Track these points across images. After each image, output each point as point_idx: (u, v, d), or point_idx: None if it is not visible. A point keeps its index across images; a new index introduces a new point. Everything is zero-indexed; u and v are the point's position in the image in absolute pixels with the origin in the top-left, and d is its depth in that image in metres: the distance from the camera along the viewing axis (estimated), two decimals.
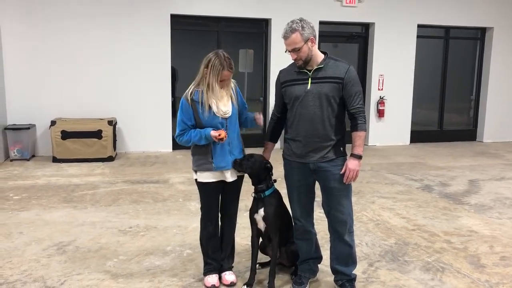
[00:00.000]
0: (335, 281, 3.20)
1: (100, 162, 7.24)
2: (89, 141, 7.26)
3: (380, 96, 9.19)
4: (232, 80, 3.17)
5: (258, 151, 3.23)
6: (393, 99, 9.24)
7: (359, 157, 2.93)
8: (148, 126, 8.14)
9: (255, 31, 8.87)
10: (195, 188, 3.23)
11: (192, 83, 3.09)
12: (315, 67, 2.94)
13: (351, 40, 9.33)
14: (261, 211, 3.11)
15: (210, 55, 3.00)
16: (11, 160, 7.25)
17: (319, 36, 8.65)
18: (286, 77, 3.07)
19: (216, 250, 3.27)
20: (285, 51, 2.96)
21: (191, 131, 3.05)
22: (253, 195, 3.17)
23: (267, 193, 3.13)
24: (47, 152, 7.54)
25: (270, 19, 8.50)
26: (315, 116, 2.92)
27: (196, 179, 3.16)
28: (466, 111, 10.38)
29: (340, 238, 3.07)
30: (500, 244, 4.10)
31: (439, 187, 6.06)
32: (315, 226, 3.26)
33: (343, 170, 2.95)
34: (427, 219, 4.75)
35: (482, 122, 10.05)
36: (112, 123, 7.44)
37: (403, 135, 9.51)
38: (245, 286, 3.16)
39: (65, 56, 7.67)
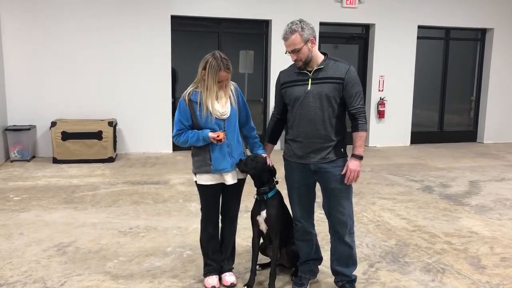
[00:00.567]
0: (336, 282, 3.20)
1: (101, 163, 7.24)
2: (90, 142, 7.26)
3: (381, 97, 9.18)
4: (233, 82, 3.17)
5: None
6: (394, 100, 9.24)
7: (360, 158, 2.93)
8: (149, 127, 8.14)
9: (255, 32, 8.87)
10: (195, 189, 3.23)
11: (191, 84, 3.10)
12: (315, 68, 2.94)
13: (351, 41, 9.34)
14: (263, 213, 3.11)
15: (207, 56, 3.00)
16: (12, 161, 7.25)
17: (320, 37, 8.66)
18: (286, 78, 3.07)
19: (216, 252, 3.27)
20: (285, 52, 2.96)
21: (189, 132, 3.04)
22: (256, 197, 3.17)
23: (269, 195, 3.12)
24: (48, 153, 7.55)
25: (271, 20, 8.51)
26: (316, 117, 2.92)
27: (196, 181, 3.15)
28: (466, 112, 10.38)
29: (341, 239, 3.07)
30: (501, 245, 4.10)
31: (439, 188, 6.05)
32: (315, 227, 3.26)
33: (344, 171, 2.95)
34: (428, 220, 4.74)
35: (482, 123, 10.04)
36: (112, 124, 7.44)
37: (404, 136, 9.51)
38: (245, 287, 3.15)
39: (65, 57, 7.67)
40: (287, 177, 3.15)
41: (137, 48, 7.92)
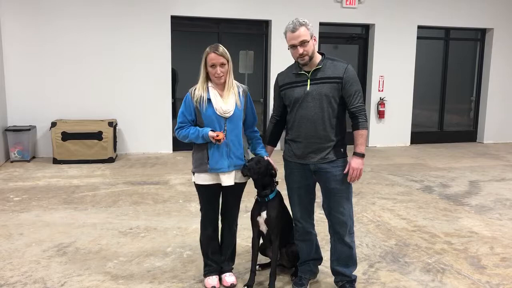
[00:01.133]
0: (336, 282, 3.20)
1: (101, 164, 7.24)
2: (90, 142, 7.26)
3: (380, 97, 9.19)
4: (244, 86, 3.17)
5: None
6: (393, 100, 9.25)
7: (361, 156, 2.93)
8: (149, 127, 8.15)
9: (255, 33, 8.88)
10: (195, 189, 3.23)
11: None
12: (314, 68, 2.94)
13: (351, 41, 9.34)
14: (264, 214, 3.10)
15: None
16: (12, 162, 7.25)
17: (319, 37, 8.68)
18: (284, 80, 3.07)
19: (216, 252, 3.27)
20: (288, 48, 2.93)
21: (191, 127, 3.04)
22: (256, 198, 3.16)
23: (270, 196, 3.12)
24: (48, 154, 7.55)
25: (271, 20, 8.51)
26: (316, 117, 2.92)
27: (194, 182, 3.14)
28: (466, 112, 10.38)
29: (341, 239, 3.07)
30: (501, 245, 4.10)
31: (439, 188, 6.05)
32: (315, 227, 3.26)
33: (346, 170, 2.95)
34: (428, 220, 4.74)
35: (482, 123, 10.05)
36: (112, 124, 7.44)
37: (404, 136, 9.51)
38: (245, 287, 3.15)
39: (65, 58, 7.68)
40: (287, 178, 3.15)
41: (137, 49, 7.92)
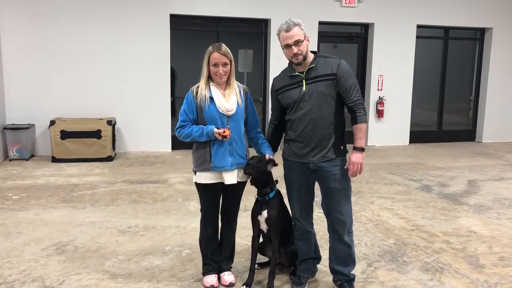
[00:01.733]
0: (334, 281, 3.20)
1: (99, 162, 7.24)
2: (88, 141, 7.25)
3: (380, 97, 9.19)
4: (244, 86, 3.18)
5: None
6: (393, 99, 9.25)
7: (361, 150, 2.92)
8: (148, 126, 8.14)
9: (254, 32, 8.87)
10: (194, 188, 3.23)
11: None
12: (307, 68, 2.95)
13: (350, 41, 9.34)
14: (265, 213, 3.10)
15: None
16: (10, 160, 7.25)
17: (319, 36, 8.69)
18: (280, 84, 3.08)
19: (215, 252, 3.26)
20: (283, 47, 2.94)
21: (193, 126, 3.03)
22: (257, 197, 3.16)
23: (271, 195, 3.12)
24: (46, 152, 7.55)
25: (270, 19, 8.51)
26: (313, 116, 2.92)
27: (195, 182, 3.13)
28: (465, 112, 10.39)
29: (339, 239, 3.07)
30: (499, 244, 4.11)
31: (438, 188, 6.06)
32: (314, 226, 3.26)
33: (346, 165, 2.94)
34: (426, 220, 4.75)
35: (481, 123, 10.06)
36: (111, 123, 7.44)
37: (402, 136, 9.52)
38: (244, 286, 3.15)
39: (64, 56, 7.67)
40: (287, 177, 3.15)
41: (136, 47, 7.91)
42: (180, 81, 8.64)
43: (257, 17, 8.51)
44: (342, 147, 3.01)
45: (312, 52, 3.01)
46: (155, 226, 4.42)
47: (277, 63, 7.50)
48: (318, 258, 3.33)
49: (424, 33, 9.45)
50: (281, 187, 3.18)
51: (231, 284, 3.23)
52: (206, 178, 3.06)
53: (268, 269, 3.22)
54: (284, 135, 3.18)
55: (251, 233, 3.25)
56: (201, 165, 3.06)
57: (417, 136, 9.66)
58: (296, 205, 3.14)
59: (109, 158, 7.36)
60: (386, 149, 8.92)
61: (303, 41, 2.88)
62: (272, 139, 3.25)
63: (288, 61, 3.07)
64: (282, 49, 2.96)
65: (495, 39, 9.72)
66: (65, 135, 7.17)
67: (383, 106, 9.18)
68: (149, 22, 7.93)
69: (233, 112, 3.03)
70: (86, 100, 7.80)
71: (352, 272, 3.17)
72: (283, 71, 3.11)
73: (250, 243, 3.35)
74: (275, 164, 3.11)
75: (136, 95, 8.02)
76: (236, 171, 3.07)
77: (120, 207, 4.99)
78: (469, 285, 3.32)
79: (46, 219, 4.57)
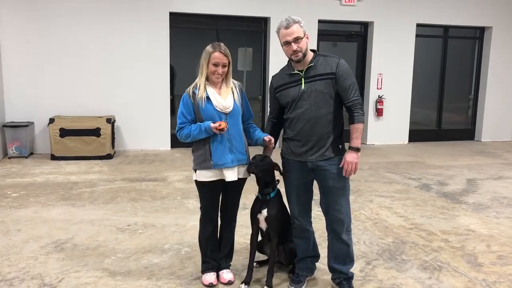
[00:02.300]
0: (333, 279, 3.21)
1: (99, 160, 7.23)
2: (88, 139, 7.25)
3: (379, 95, 9.20)
4: (238, 82, 3.18)
5: (258, 149, 3.21)
6: (392, 98, 9.26)
7: (356, 150, 2.92)
8: (147, 124, 8.14)
9: (254, 30, 8.87)
10: (193, 186, 3.23)
11: (197, 79, 3.11)
12: (306, 67, 2.95)
13: (350, 39, 9.34)
14: (265, 212, 3.10)
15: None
16: (9, 158, 7.24)
17: (318, 34, 8.68)
18: (279, 82, 3.07)
19: (214, 250, 3.27)
20: (282, 44, 2.93)
21: (192, 125, 3.03)
22: (258, 195, 3.16)
23: (272, 194, 3.12)
24: (46, 150, 7.55)
25: (269, 17, 8.50)
26: (312, 115, 2.92)
27: (195, 180, 3.13)
28: (464, 111, 10.40)
29: (338, 237, 3.07)
30: (497, 243, 4.12)
31: (437, 186, 6.07)
32: (313, 225, 3.26)
33: (341, 164, 2.95)
34: (425, 218, 4.76)
35: (480, 122, 10.07)
36: (110, 121, 7.44)
37: (402, 134, 9.52)
38: (243, 284, 3.16)
39: (63, 54, 7.66)
40: (285, 175, 3.15)
41: (136, 45, 7.91)
42: (179, 79, 8.64)
43: (256, 15, 8.51)
44: (340, 146, 3.01)
45: (311, 50, 3.01)
46: (154, 224, 4.42)
47: (277, 61, 7.49)
48: (316, 256, 3.34)
49: (424, 32, 9.45)
50: (280, 186, 3.18)
51: (230, 282, 3.23)
52: (207, 175, 3.06)
53: (266, 267, 3.23)
54: (282, 133, 3.18)
55: (250, 231, 3.25)
56: (201, 163, 3.06)
57: (416, 135, 9.66)
58: (294, 203, 3.14)
59: (108, 156, 7.36)
60: (385, 148, 8.92)
61: (302, 38, 2.88)
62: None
63: (287, 59, 3.07)
64: (282, 46, 2.96)
65: (495, 38, 9.73)
66: (64, 133, 7.17)
67: (382, 104, 9.19)
68: (149, 20, 7.93)
69: (231, 109, 3.04)
70: (85, 98, 7.80)
71: (351, 270, 3.18)
72: (282, 69, 3.11)
73: (248, 241, 3.36)
74: (280, 170, 3.13)
75: (136, 93, 8.02)
76: (236, 168, 3.08)
77: (119, 205, 4.99)
78: (467, 283, 3.33)
79: (45, 217, 4.58)
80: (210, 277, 3.21)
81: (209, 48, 2.99)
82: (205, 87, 3.02)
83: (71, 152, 7.21)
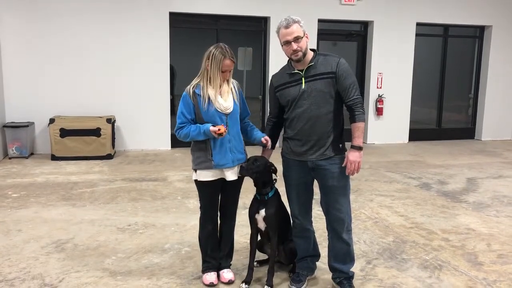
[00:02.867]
0: (333, 278, 3.21)
1: (99, 160, 7.24)
2: (88, 139, 7.26)
3: (379, 94, 9.19)
4: (235, 80, 3.18)
5: (257, 150, 3.22)
6: (392, 97, 9.25)
7: (359, 148, 2.92)
8: (147, 124, 8.14)
9: (254, 29, 8.87)
10: (193, 186, 3.23)
11: (196, 78, 3.10)
12: (307, 66, 2.95)
13: (350, 38, 9.33)
14: (263, 212, 3.10)
15: (211, 47, 3.02)
16: (10, 158, 7.25)
17: (318, 34, 8.68)
18: (279, 81, 3.07)
19: (214, 249, 3.27)
20: (282, 44, 2.93)
21: (191, 125, 3.03)
22: (256, 195, 3.16)
23: (270, 194, 3.12)
24: (46, 150, 7.55)
25: (269, 17, 8.50)
26: (312, 114, 2.92)
27: (195, 180, 3.13)
28: (464, 110, 10.39)
29: (338, 236, 3.08)
30: (498, 242, 4.12)
31: (437, 185, 6.07)
32: (313, 224, 3.27)
33: (344, 163, 2.95)
34: (425, 217, 4.76)
35: (480, 120, 10.06)
36: (110, 121, 7.44)
37: (402, 133, 9.52)
38: (243, 284, 3.16)
39: (63, 54, 7.66)
40: (285, 175, 3.15)
41: (136, 45, 7.91)
42: (179, 79, 8.64)
43: (256, 15, 8.51)
44: (340, 145, 3.01)
45: (311, 50, 3.01)
46: (154, 224, 4.42)
47: (277, 61, 7.49)
48: (317, 256, 3.34)
49: (424, 31, 9.44)
50: (280, 185, 3.18)
51: (230, 282, 3.24)
52: (207, 175, 3.07)
53: (267, 266, 3.23)
54: (282, 133, 3.18)
55: (250, 231, 3.25)
56: (202, 163, 3.06)
57: (417, 134, 9.66)
58: (295, 203, 3.15)
59: (109, 156, 7.36)
60: (386, 147, 8.92)
61: (302, 37, 2.88)
62: (270, 137, 3.25)
63: (287, 59, 3.07)
64: (282, 46, 2.96)
65: (495, 37, 9.72)
66: (64, 133, 7.17)
67: (382, 104, 9.19)
68: (149, 20, 7.92)
69: (231, 110, 3.05)
70: (85, 98, 7.79)
71: (351, 269, 3.18)
72: (282, 69, 3.11)
73: (248, 241, 3.36)
74: (275, 170, 3.13)
75: (136, 93, 8.02)
76: (236, 167, 3.10)
77: (120, 205, 5.00)
78: (468, 282, 3.33)
79: (45, 217, 4.58)
80: (210, 277, 3.22)
81: (218, 54, 2.96)
82: (207, 89, 3.02)
83: (71, 152, 7.21)
